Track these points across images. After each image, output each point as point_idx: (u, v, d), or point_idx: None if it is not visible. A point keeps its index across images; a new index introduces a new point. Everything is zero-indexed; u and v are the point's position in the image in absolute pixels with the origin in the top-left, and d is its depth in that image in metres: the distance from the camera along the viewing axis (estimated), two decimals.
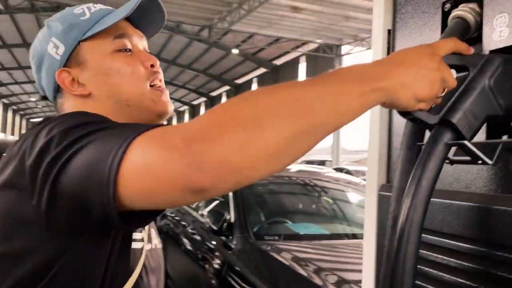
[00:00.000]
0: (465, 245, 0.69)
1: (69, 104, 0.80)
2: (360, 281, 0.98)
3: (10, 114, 42.13)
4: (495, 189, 0.68)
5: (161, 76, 0.82)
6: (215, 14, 17.13)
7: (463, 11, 0.72)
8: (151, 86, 0.79)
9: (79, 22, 0.79)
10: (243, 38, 19.59)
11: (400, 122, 0.88)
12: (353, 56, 19.92)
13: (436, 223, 0.74)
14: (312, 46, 20.33)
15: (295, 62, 23.75)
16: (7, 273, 0.63)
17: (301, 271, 2.17)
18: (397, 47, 0.91)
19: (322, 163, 17.52)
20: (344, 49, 20.11)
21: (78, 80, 0.79)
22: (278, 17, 16.31)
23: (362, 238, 2.73)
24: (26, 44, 20.98)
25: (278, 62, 24.75)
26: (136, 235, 0.79)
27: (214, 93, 34.16)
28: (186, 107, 41.14)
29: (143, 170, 0.52)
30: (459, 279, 0.68)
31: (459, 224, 0.70)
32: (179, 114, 44.52)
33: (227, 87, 31.31)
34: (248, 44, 20.41)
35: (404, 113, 0.62)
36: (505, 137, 0.67)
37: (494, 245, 0.65)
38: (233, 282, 2.43)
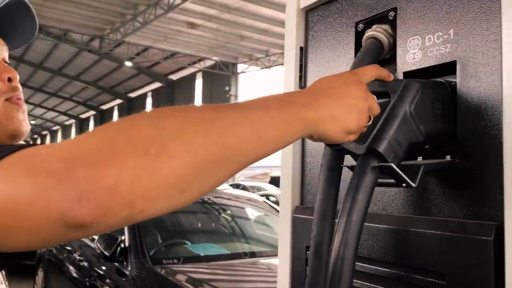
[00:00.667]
0: (384, 269, 0.68)
1: None
2: None
3: None
4: (412, 211, 0.67)
5: (20, 93, 0.72)
6: (107, 25, 16.37)
7: (377, 31, 0.73)
8: (6, 100, 0.69)
9: None
10: (137, 50, 18.99)
11: (313, 143, 0.86)
12: (248, 74, 20.51)
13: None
14: (208, 62, 20.48)
15: (191, 77, 23.69)
16: None
17: None
18: (309, 64, 0.89)
19: None
20: (240, 67, 20.62)
21: None
22: (174, 32, 16.15)
23: (261, 256, 2.70)
24: None
25: (174, 77, 24.47)
26: None
27: (104, 107, 32.48)
28: (72, 120, 38.43)
29: (5, 202, 0.40)
30: None
31: (378, 247, 0.69)
32: (65, 128, 41.39)
33: (119, 101, 30.00)
34: (143, 57, 19.84)
35: (332, 144, 0.59)
36: (420, 158, 0.67)
37: (413, 269, 0.64)
38: None
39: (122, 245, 2.61)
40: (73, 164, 0.39)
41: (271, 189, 11.70)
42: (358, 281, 0.70)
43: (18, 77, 0.72)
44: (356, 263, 0.71)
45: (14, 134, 0.69)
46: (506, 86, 0.56)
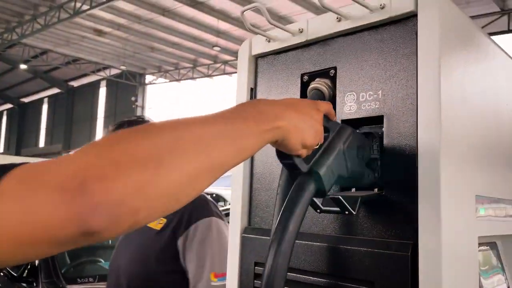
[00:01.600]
0: (324, 280, 0.83)
1: None
2: None
3: None
4: (347, 232, 0.84)
5: None
6: (1, 23, 15.00)
7: (319, 84, 0.89)
8: None
9: None
10: (35, 53, 17.62)
11: (261, 168, 0.99)
12: (156, 86, 20.13)
13: (299, 262, 0.85)
14: (114, 71, 19.71)
15: (95, 85, 22.56)
16: None
17: None
18: None
19: None
20: (148, 78, 20.19)
21: None
22: (79, 37, 15.34)
23: None
24: None
25: (76, 83, 23.09)
26: None
27: None
28: None
29: (24, 218, 0.43)
30: None
31: (319, 262, 0.84)
32: None
33: (9, 105, 27.39)
34: (41, 60, 18.46)
35: (283, 156, 0.68)
36: (353, 190, 0.84)
37: (348, 279, 0.80)
38: None
39: (31, 264, 2.47)
40: (84, 179, 0.44)
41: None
42: None
43: None
44: (298, 274, 0.85)
45: None
46: (420, 137, 0.75)
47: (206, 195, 1.60)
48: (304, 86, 0.94)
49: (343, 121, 0.86)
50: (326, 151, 0.71)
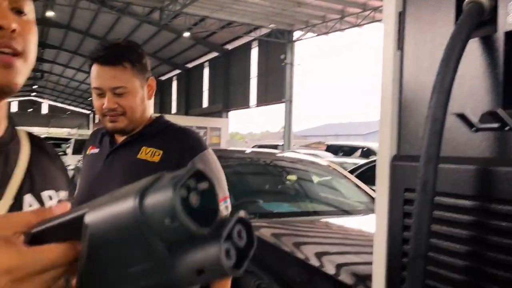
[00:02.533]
0: (469, 202, 0.79)
1: None
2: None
3: None
4: (492, 153, 0.77)
5: (16, 44, 0.64)
6: None
7: None
8: None
9: None
10: (195, 21, 19.29)
11: (411, 94, 0.96)
12: (304, 42, 20.23)
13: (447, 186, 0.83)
14: (264, 31, 20.40)
15: (247, 47, 23.76)
16: None
17: (283, 246, 2.26)
18: (407, 29, 0.98)
19: (274, 147, 17.83)
20: (296, 34, 20.37)
21: None
22: (230, 1, 16.19)
23: (326, 215, 2.78)
24: None
25: (230, 46, 24.65)
26: None
27: (164, 77, 33.50)
28: None
29: None
30: (470, 233, 0.78)
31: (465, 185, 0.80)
32: None
33: (177, 71, 30.81)
34: (200, 27, 20.13)
35: None
36: None
37: (494, 200, 0.74)
38: None
39: None
40: None
41: (328, 156, 11.77)
42: (452, 215, 0.82)
43: (14, 27, 0.63)
44: (450, 199, 0.83)
45: None
46: None
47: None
48: (459, 0, 0.86)
49: (506, 34, 0.78)
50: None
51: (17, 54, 0.64)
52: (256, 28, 20.20)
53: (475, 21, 0.79)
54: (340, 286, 1.86)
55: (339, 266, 2.04)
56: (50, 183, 0.76)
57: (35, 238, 0.39)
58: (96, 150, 1.54)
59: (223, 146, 23.77)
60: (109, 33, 22.34)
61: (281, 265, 2.08)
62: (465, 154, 0.84)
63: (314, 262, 2.04)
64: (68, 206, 0.41)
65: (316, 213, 3.08)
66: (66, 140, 17.18)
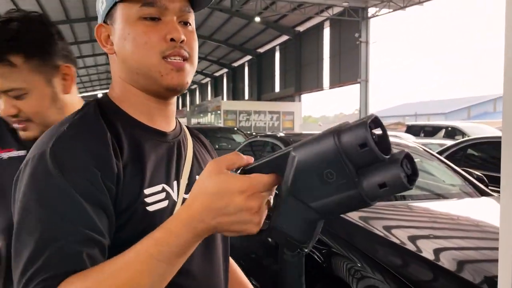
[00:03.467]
0: None
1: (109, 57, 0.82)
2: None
3: None
4: None
5: (184, 51, 0.77)
6: None
7: None
8: (164, 58, 0.75)
9: None
10: (265, 5, 19.26)
11: None
12: (379, 18, 19.38)
13: None
14: (336, 10, 19.84)
15: (318, 27, 23.31)
16: None
17: (371, 228, 2.21)
18: None
19: None
20: (371, 11, 19.57)
21: (110, 37, 0.79)
22: None
23: (420, 199, 2.63)
24: (69, 21, 21.28)
25: (301, 28, 24.34)
26: None
27: (236, 64, 34.01)
28: (208, 79, 41.13)
29: None
30: None
31: None
32: (202, 86, 44.59)
33: (249, 57, 31.08)
34: (270, 11, 20.07)
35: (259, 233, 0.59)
36: None
37: None
38: None
39: None
40: None
41: (409, 138, 11.28)
42: None
43: (183, 38, 0.76)
44: None
45: (168, 88, 0.77)
46: None
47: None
48: None
49: None
50: (275, 210, 0.57)
51: (185, 59, 0.78)
52: (328, 7, 19.70)
53: None
54: (441, 271, 1.79)
55: (437, 251, 1.96)
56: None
57: (247, 172, 0.57)
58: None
59: (296, 130, 23.70)
60: None
61: (374, 249, 2.04)
62: None
63: (411, 247, 1.98)
64: (250, 158, 0.59)
65: (407, 197, 2.97)
66: None
